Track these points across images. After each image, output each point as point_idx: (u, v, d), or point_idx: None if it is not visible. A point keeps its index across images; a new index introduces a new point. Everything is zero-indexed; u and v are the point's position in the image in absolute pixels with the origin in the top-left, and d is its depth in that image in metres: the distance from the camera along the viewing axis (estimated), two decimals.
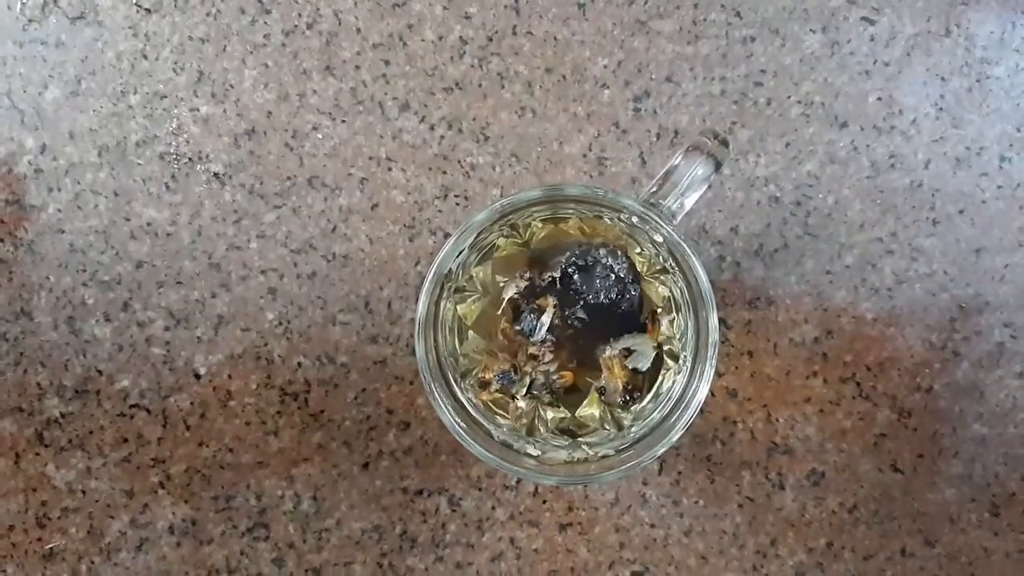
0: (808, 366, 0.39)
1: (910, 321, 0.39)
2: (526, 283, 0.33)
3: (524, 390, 0.33)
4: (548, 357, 0.33)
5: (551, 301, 0.32)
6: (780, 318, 0.39)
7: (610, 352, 0.32)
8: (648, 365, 0.33)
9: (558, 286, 0.32)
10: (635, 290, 0.32)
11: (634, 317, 0.33)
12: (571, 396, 0.33)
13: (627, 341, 0.32)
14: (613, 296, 0.32)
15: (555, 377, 0.33)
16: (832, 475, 0.39)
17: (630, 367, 0.32)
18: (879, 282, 0.39)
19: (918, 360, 0.39)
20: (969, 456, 0.39)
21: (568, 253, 0.32)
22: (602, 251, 0.32)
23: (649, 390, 0.33)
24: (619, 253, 0.32)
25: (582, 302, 0.32)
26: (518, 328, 0.33)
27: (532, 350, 0.32)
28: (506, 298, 0.33)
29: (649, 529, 0.39)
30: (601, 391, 0.33)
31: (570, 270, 0.32)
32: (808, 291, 0.39)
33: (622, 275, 0.32)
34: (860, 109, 0.39)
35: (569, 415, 0.33)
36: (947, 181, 0.39)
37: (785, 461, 0.39)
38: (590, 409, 0.34)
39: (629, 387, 0.33)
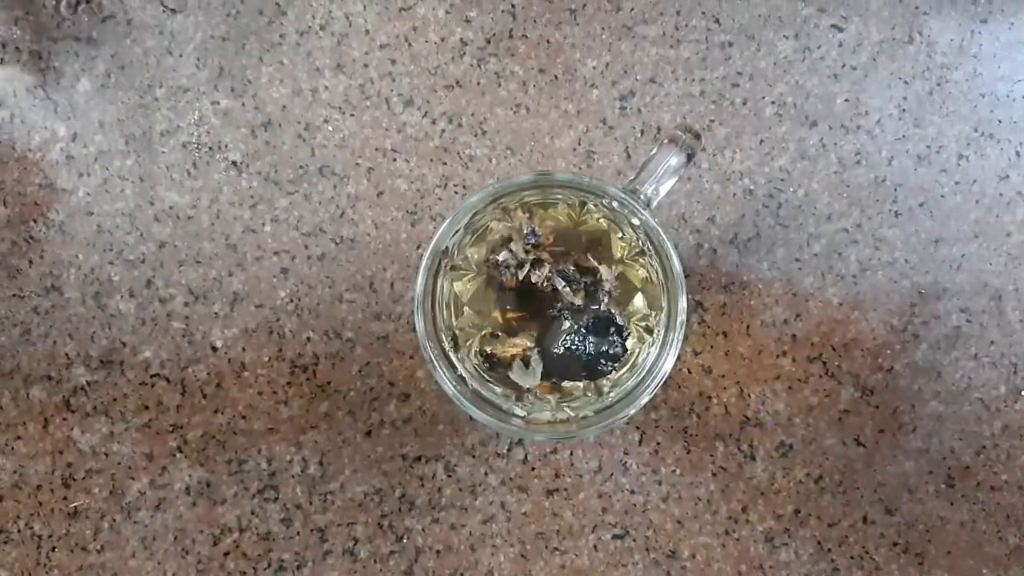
0: (778, 346, 0.42)
1: (873, 306, 0.42)
2: (587, 276, 0.36)
3: (513, 248, 0.35)
4: (524, 275, 0.35)
5: (580, 298, 0.35)
6: (753, 301, 0.42)
7: (525, 344, 0.35)
8: (518, 383, 0.35)
9: (592, 307, 0.35)
10: (585, 373, 0.35)
11: (560, 371, 0.36)
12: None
13: (536, 364, 0.35)
14: (577, 356, 0.35)
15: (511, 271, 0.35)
16: (799, 447, 0.42)
17: (514, 366, 0.35)
18: (845, 269, 0.42)
19: (880, 342, 0.42)
20: (927, 431, 0.42)
21: (621, 316, 0.35)
22: (623, 342, 0.35)
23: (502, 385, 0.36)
24: (614, 363, 0.36)
25: (571, 334, 0.35)
26: (558, 271, 0.35)
27: (536, 270, 0.35)
28: (590, 262, 0.36)
29: (629, 495, 0.42)
30: (493, 334, 0.36)
31: (596, 319, 0.35)
32: (779, 277, 0.42)
33: (598, 361, 0.35)
34: (829, 109, 0.42)
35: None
36: (908, 177, 0.42)
37: (756, 434, 0.42)
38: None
39: (492, 360, 0.35)
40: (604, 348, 0.35)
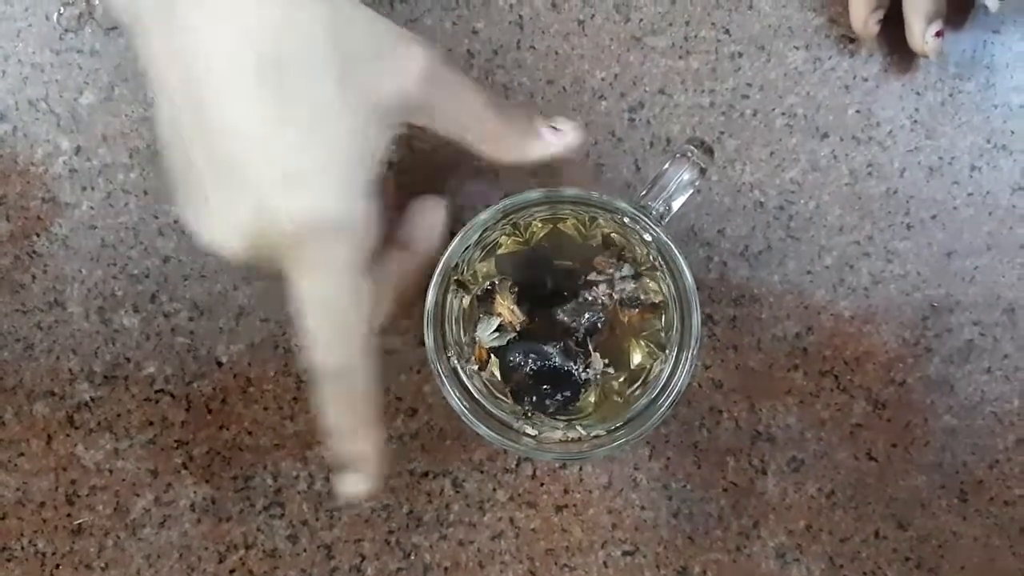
0: (789, 360, 0.42)
1: (885, 319, 0.42)
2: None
3: (627, 289, 0.35)
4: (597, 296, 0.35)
5: (575, 338, 0.35)
6: (763, 315, 0.42)
7: (518, 319, 0.35)
8: (472, 327, 0.36)
9: (571, 363, 0.35)
10: (509, 388, 0.36)
11: (500, 362, 0.36)
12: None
13: (500, 337, 0.35)
14: (519, 374, 0.35)
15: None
16: (811, 462, 0.42)
17: (490, 319, 0.35)
18: (856, 282, 0.42)
19: (892, 355, 0.42)
20: (940, 446, 0.42)
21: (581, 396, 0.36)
22: (562, 404, 0.36)
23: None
24: (534, 409, 0.36)
25: (537, 358, 0.35)
26: (591, 323, 0.35)
27: (596, 311, 0.35)
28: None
29: (639, 511, 0.42)
30: (512, 289, 0.36)
31: (563, 372, 0.35)
32: (790, 290, 0.42)
33: (528, 394, 0.35)
34: (840, 121, 0.42)
35: None
36: (921, 188, 0.42)
37: (767, 448, 0.42)
38: (588, 396, 0.36)
39: (488, 296, 0.35)
40: (544, 392, 0.35)
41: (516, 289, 0.35)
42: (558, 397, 0.35)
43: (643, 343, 0.36)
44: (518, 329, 0.35)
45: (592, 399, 0.36)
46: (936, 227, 0.42)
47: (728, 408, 0.42)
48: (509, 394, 0.35)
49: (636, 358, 0.36)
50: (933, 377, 0.42)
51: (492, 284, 0.35)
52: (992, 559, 0.42)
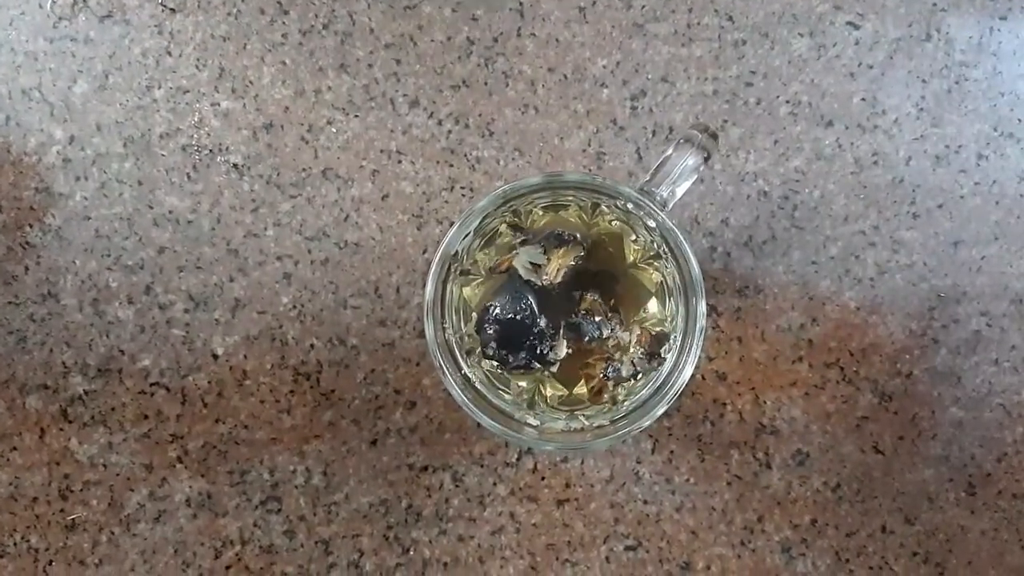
0: (794, 351, 0.41)
1: (891, 310, 0.41)
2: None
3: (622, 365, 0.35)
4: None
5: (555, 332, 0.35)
6: (768, 306, 0.41)
7: (552, 276, 0.35)
8: (524, 258, 0.35)
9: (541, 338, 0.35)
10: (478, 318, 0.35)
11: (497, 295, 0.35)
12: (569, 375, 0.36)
13: (538, 276, 0.35)
14: (498, 313, 0.35)
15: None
16: (816, 455, 0.41)
17: (544, 253, 0.35)
18: (862, 272, 0.41)
19: (899, 347, 0.41)
20: (947, 438, 0.41)
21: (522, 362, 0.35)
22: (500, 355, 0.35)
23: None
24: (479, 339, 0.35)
25: (514, 307, 0.35)
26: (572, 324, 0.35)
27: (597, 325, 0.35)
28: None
29: (642, 505, 0.41)
30: (565, 240, 0.35)
31: (521, 331, 0.35)
32: (795, 280, 0.41)
33: (486, 320, 0.35)
34: (845, 109, 0.41)
35: (567, 392, 0.36)
36: (927, 177, 0.41)
37: (772, 441, 0.41)
38: (587, 388, 0.36)
39: (556, 239, 0.35)
40: (499, 336, 0.34)
41: (577, 261, 0.35)
42: (503, 352, 0.34)
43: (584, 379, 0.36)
44: (541, 282, 0.34)
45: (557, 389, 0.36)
46: (943, 216, 0.41)
47: (732, 400, 0.41)
48: (474, 317, 0.35)
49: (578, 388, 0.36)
50: (940, 368, 0.41)
51: (573, 237, 0.34)
52: (1001, 553, 0.41)
